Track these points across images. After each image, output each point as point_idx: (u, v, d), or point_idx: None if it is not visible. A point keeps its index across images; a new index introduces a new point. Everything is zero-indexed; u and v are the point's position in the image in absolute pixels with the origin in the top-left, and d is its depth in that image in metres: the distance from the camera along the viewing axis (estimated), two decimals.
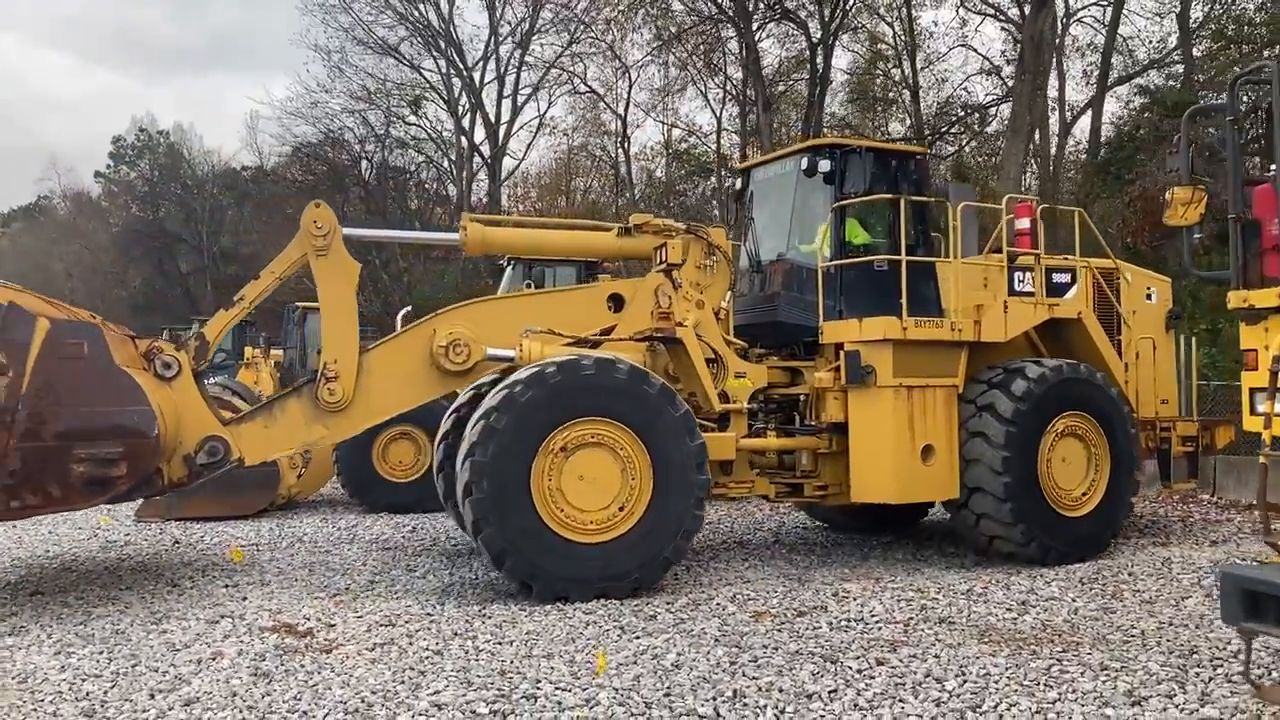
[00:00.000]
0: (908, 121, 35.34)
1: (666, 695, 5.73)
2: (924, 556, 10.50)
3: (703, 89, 36.21)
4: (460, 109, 38.64)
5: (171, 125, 68.49)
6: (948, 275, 10.01)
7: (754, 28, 29.73)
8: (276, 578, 9.25)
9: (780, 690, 5.80)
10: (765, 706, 5.53)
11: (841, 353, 9.67)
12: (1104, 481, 10.00)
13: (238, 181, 58.83)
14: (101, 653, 6.64)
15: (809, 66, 30.97)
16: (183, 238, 59.38)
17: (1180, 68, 28.76)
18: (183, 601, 8.19)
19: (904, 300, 9.56)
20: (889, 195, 10.13)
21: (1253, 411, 5.55)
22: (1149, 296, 11.43)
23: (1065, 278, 10.60)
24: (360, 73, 38.74)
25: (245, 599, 8.27)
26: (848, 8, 30.20)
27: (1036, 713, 5.43)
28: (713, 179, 38.01)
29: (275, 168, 52.76)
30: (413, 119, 40.11)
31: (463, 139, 39.65)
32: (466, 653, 6.62)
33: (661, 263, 9.64)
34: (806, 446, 9.89)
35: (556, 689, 5.83)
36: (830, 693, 5.74)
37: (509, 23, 37.52)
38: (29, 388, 7.31)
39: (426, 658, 6.51)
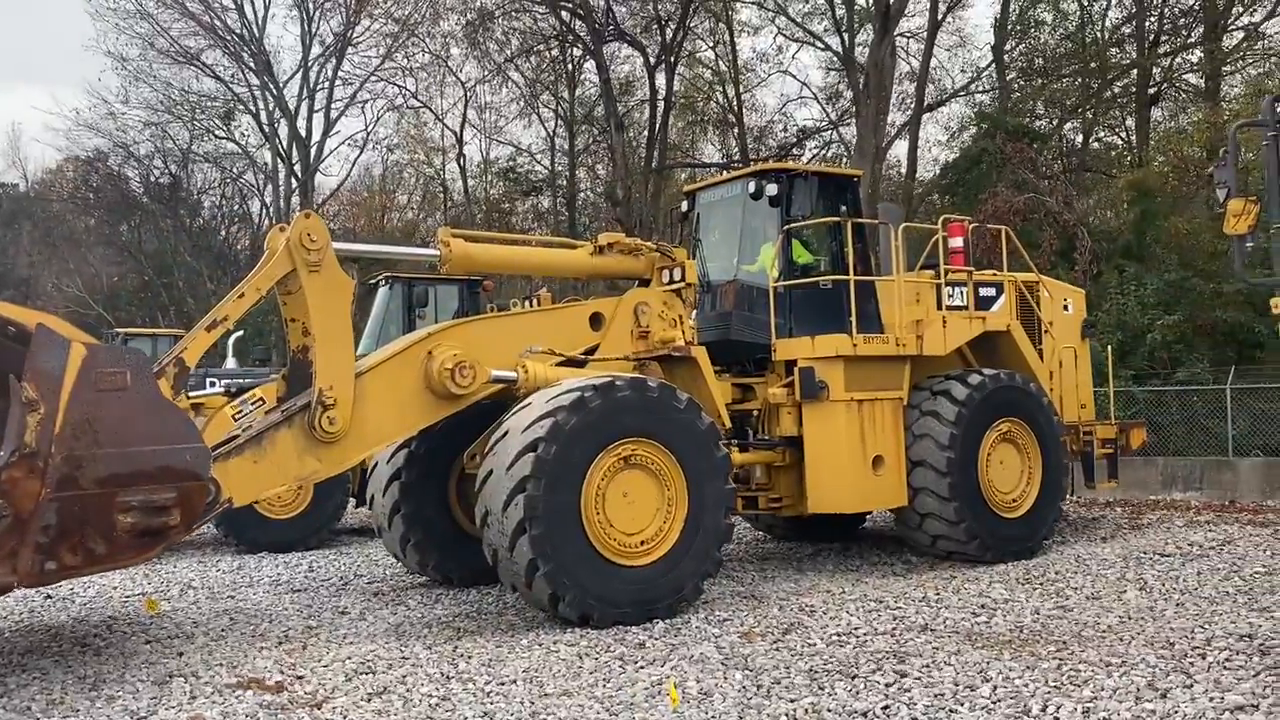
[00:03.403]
0: (723, 148, 36.42)
1: None
2: (853, 566, 10.68)
3: (535, 108, 35.99)
4: (274, 123, 36.78)
5: None
6: (890, 292, 10.34)
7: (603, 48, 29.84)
8: (198, 629, 8.38)
9: (829, 710, 5.70)
10: None
11: (795, 369, 9.81)
12: (1036, 485, 10.62)
13: (3, 199, 53.94)
14: None
15: (649, 88, 31.32)
16: None
17: (985, 97, 30.94)
18: (107, 663, 7.27)
19: (853, 318, 9.81)
20: (836, 218, 10.45)
21: None
22: (1066, 307, 12.17)
23: (991, 291, 11.11)
24: (162, 83, 36.34)
25: (181, 654, 7.43)
26: (688, 28, 30.73)
27: (1085, 712, 5.53)
28: (544, 198, 37.79)
29: (44, 183, 48.71)
30: (222, 132, 37.88)
31: (275, 156, 37.79)
32: (476, 697, 6.18)
33: (676, 282, 9.64)
34: (766, 460, 10.00)
35: None
36: (883, 709, 5.68)
37: (331, 33, 35.99)
38: (64, 426, 6.23)
39: (437, 704, 6.03)
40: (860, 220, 10.89)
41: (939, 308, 10.69)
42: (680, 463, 8.27)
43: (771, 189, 10.45)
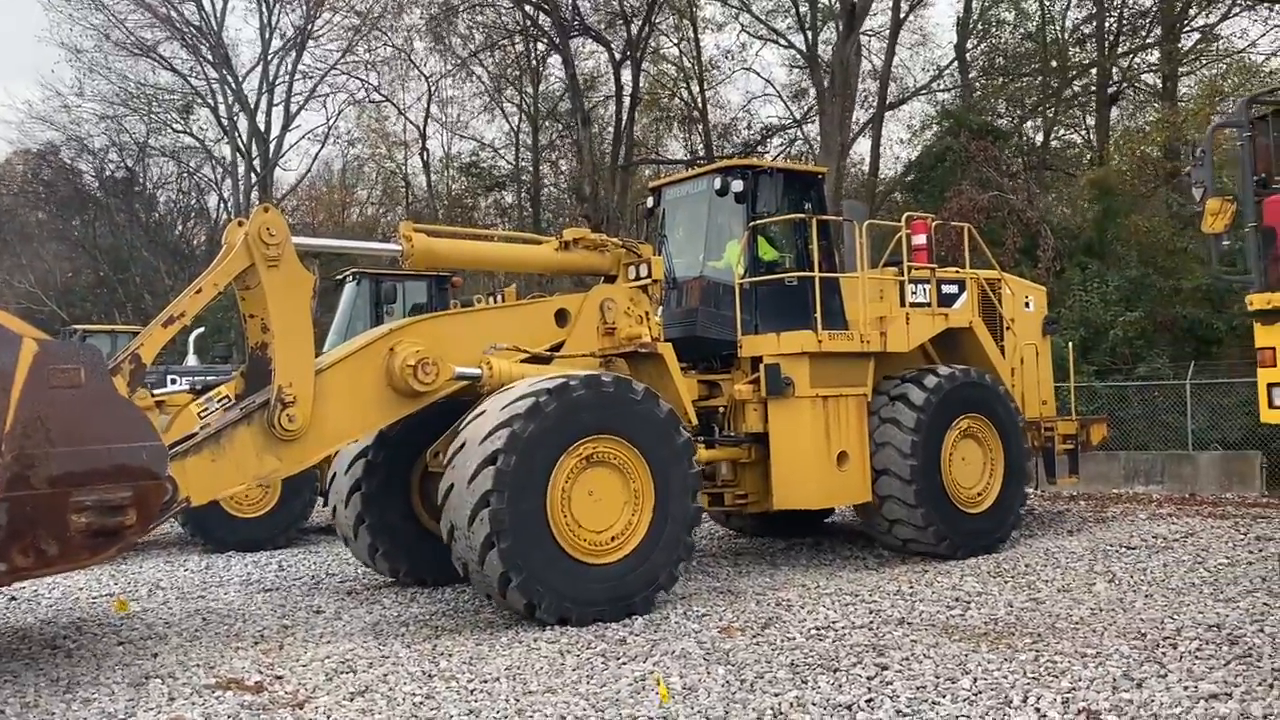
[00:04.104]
0: (688, 144, 36.48)
1: None
2: (826, 559, 10.77)
3: (499, 103, 35.80)
4: (233, 117, 36.30)
5: None
6: (854, 289, 10.40)
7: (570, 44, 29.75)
8: (171, 630, 8.27)
9: (814, 703, 5.74)
10: None
11: (761, 365, 9.82)
12: (999, 479, 10.72)
13: None
14: None
15: (614, 84, 31.28)
16: None
17: (946, 95, 31.25)
18: (80, 664, 7.16)
19: (818, 314, 9.86)
20: (801, 215, 10.50)
21: (1271, 405, 6.07)
22: (1027, 305, 12.29)
23: (954, 288, 11.20)
24: (118, 75, 35.72)
25: (156, 655, 7.33)
26: (653, 24, 30.71)
27: (1065, 702, 5.62)
28: (508, 194, 37.62)
29: None
30: (180, 126, 37.31)
31: (232, 151, 37.28)
32: (459, 695, 6.15)
33: (642, 278, 9.58)
34: (732, 457, 10.00)
35: None
36: (867, 701, 5.74)
37: (292, 26, 35.54)
38: (14, 424, 6.07)
39: (420, 702, 6.00)
40: (825, 217, 10.92)
41: (902, 305, 10.75)
42: (643, 454, 8.23)
43: (737, 185, 10.46)
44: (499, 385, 8.40)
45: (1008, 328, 11.96)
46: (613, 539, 8.11)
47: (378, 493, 9.48)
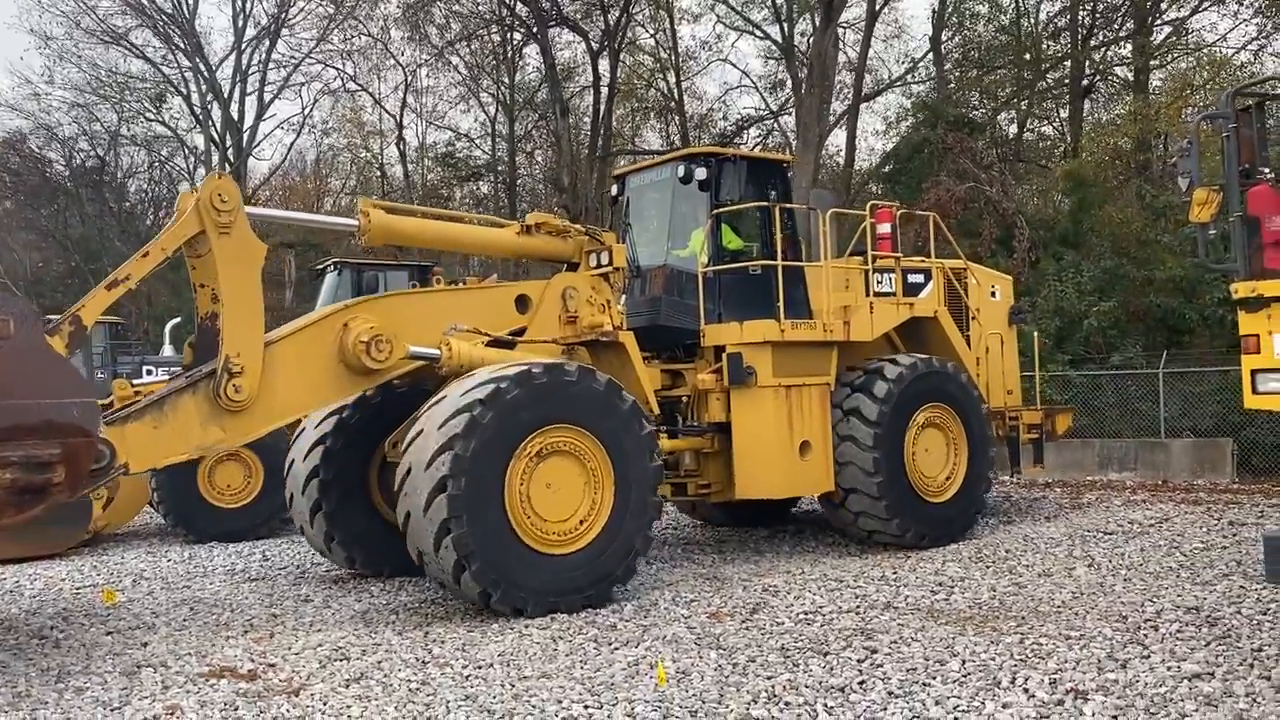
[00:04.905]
0: (667, 132, 36.53)
1: (702, 703, 5.62)
2: (809, 546, 10.87)
3: (475, 93, 35.69)
4: (207, 106, 35.96)
5: None
6: (819, 278, 10.43)
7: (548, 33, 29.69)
8: (159, 620, 8.26)
9: (807, 686, 5.83)
10: (813, 702, 5.53)
11: (724, 355, 9.87)
12: (963, 467, 10.77)
13: None
14: None
15: (592, 74, 31.27)
16: None
17: (921, 87, 31.45)
18: (70, 654, 7.14)
19: (781, 303, 9.91)
20: (765, 203, 10.50)
21: (1255, 391, 6.21)
22: (993, 294, 12.36)
23: (920, 278, 11.27)
24: (89, 63, 35.32)
25: (146, 645, 7.32)
26: (630, 14, 30.69)
27: (1052, 683, 5.73)
28: (484, 184, 37.53)
29: None
30: (153, 114, 36.94)
31: (206, 140, 36.95)
32: (455, 681, 6.20)
33: (604, 266, 9.52)
34: (695, 446, 10.02)
35: (587, 708, 5.59)
36: (859, 684, 5.83)
37: (265, 14, 35.27)
38: None
39: (417, 689, 6.04)
40: (789, 205, 10.88)
41: (867, 294, 10.77)
42: (591, 432, 8.13)
43: (700, 173, 10.38)
44: (458, 367, 8.33)
45: (973, 317, 12.00)
46: (581, 523, 8.07)
47: (338, 508, 9.43)
